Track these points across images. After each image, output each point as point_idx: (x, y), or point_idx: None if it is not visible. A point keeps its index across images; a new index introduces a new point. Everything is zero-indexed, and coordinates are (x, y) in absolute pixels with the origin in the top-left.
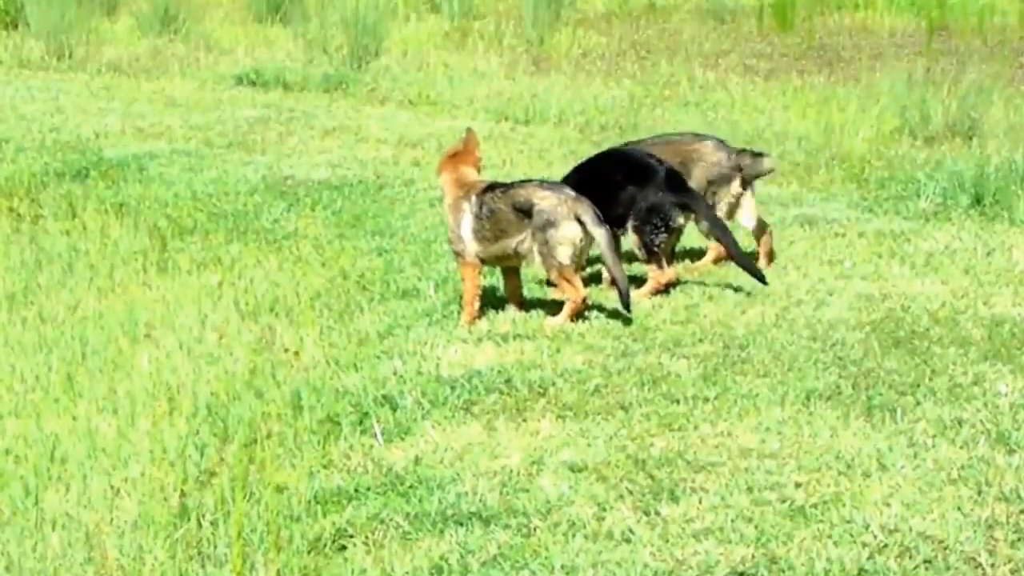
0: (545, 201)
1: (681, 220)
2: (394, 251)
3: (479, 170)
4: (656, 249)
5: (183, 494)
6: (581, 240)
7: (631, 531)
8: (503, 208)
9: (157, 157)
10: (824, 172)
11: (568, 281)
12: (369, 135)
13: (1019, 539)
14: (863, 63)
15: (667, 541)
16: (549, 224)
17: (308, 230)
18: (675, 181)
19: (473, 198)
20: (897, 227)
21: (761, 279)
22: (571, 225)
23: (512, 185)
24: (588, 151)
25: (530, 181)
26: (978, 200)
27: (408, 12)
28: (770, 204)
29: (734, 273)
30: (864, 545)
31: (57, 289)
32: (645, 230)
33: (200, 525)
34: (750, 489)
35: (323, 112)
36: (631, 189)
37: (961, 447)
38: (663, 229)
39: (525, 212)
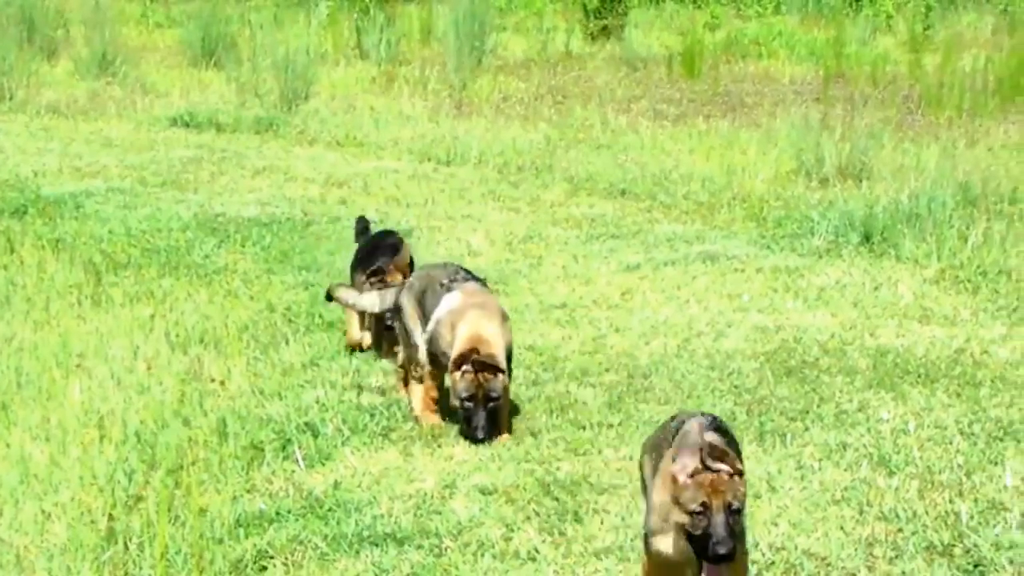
0: None
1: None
2: (320, 285)
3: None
4: None
5: (111, 518)
6: None
7: (536, 551)
8: None
9: (93, 195)
10: (726, 211)
11: None
12: (298, 174)
13: (897, 556)
14: (764, 109)
15: (570, 560)
16: None
17: (238, 265)
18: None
19: None
20: (792, 263)
21: None
22: None
23: None
24: (506, 190)
25: None
26: (867, 238)
27: (337, 57)
28: (675, 241)
29: (639, 307)
30: (753, 563)
31: None
32: None
33: (127, 548)
34: None
35: (254, 152)
36: None
37: (845, 470)
38: None
39: None
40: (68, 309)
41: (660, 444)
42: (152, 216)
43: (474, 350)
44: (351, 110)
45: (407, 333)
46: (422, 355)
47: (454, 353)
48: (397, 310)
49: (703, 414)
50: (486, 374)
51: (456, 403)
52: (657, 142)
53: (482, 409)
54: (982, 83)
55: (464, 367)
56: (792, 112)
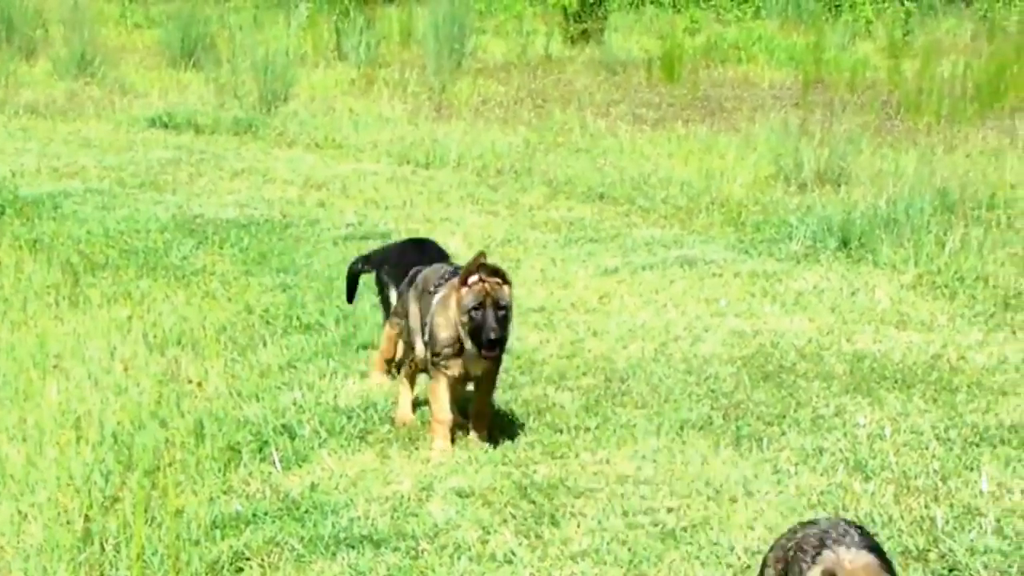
0: None
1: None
2: (297, 287)
3: None
4: None
5: (87, 519)
6: None
7: (513, 553)
8: None
9: (71, 196)
10: (704, 216)
11: None
12: (276, 176)
13: None
14: (743, 113)
15: (546, 563)
16: None
17: (216, 267)
18: None
19: None
20: (770, 268)
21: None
22: None
23: None
24: (485, 193)
25: None
26: (845, 243)
27: (316, 59)
28: (653, 246)
29: (617, 311)
30: (729, 566)
31: None
32: None
33: (103, 549)
34: (625, 513)
35: (232, 154)
36: None
37: (821, 474)
38: None
39: None
40: (45, 310)
41: (795, 555)
42: (130, 217)
43: (480, 256)
44: (330, 112)
45: (409, 332)
46: (419, 354)
47: (459, 276)
48: (404, 311)
49: (846, 522)
50: (493, 283)
51: (464, 319)
52: (636, 146)
53: (492, 312)
54: (961, 89)
55: (471, 279)
56: (771, 117)
